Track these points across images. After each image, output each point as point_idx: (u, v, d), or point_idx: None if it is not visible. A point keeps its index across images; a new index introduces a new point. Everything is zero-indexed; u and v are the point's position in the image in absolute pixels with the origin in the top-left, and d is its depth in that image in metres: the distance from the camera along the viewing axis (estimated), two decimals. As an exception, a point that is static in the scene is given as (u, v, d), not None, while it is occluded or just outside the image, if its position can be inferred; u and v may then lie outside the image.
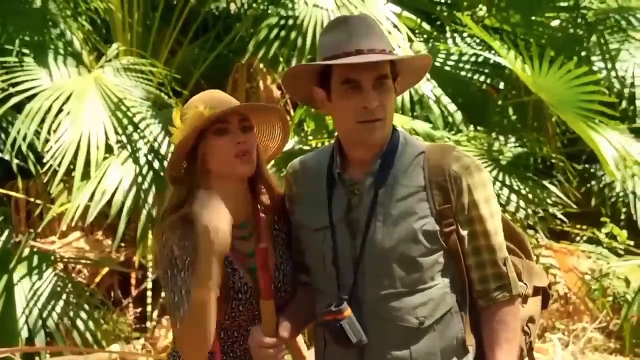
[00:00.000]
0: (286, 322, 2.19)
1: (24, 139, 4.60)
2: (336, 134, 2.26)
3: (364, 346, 2.14)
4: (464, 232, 2.17)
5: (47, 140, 4.63)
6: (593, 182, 6.68)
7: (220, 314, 2.18)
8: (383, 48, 2.15)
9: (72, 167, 4.59)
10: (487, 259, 2.19)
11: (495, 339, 2.17)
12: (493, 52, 6.02)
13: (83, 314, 4.70)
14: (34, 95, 4.73)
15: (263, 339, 2.15)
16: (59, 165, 4.50)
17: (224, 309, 2.19)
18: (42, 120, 4.61)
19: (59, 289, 4.71)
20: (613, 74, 6.39)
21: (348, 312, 2.12)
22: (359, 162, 2.21)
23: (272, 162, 4.95)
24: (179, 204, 2.20)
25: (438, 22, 6.60)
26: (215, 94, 2.27)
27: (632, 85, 6.46)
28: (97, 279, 5.28)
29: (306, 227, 2.25)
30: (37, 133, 4.72)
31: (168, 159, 2.35)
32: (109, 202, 4.58)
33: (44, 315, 4.61)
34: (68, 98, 4.68)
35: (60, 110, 4.63)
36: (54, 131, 4.58)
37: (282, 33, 5.45)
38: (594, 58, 6.42)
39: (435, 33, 6.44)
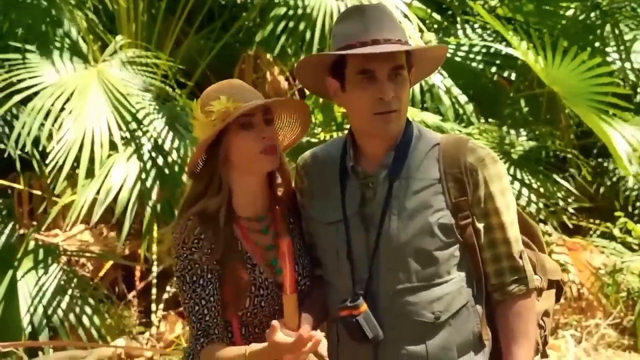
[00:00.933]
0: (308, 317, 2.16)
1: (28, 134, 4.55)
2: (347, 126, 2.21)
3: (379, 341, 2.11)
4: (480, 225, 2.14)
5: (50, 137, 4.59)
6: (607, 176, 6.59)
7: (242, 311, 2.16)
8: (399, 38, 2.11)
9: (76, 164, 4.55)
10: (504, 252, 2.16)
11: (512, 333, 2.15)
12: (504, 43, 5.93)
13: (87, 308, 4.68)
14: (37, 92, 4.66)
15: (290, 334, 2.09)
16: (63, 164, 4.45)
17: (245, 306, 2.16)
18: (46, 116, 4.56)
19: (63, 282, 4.69)
20: (628, 65, 6.28)
21: (364, 307, 2.09)
22: (372, 155, 2.17)
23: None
24: (197, 196, 2.19)
25: (449, 12, 6.51)
26: (236, 84, 2.23)
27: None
28: (101, 273, 5.22)
29: (319, 220, 2.21)
30: (41, 125, 4.65)
31: (191, 154, 2.34)
32: (115, 197, 4.53)
33: (48, 309, 4.58)
34: (71, 95, 4.62)
35: (63, 109, 4.57)
36: (57, 130, 4.54)
37: (291, 23, 5.37)
38: (608, 49, 6.32)
39: (446, 23, 6.35)
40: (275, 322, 2.00)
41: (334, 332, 2.22)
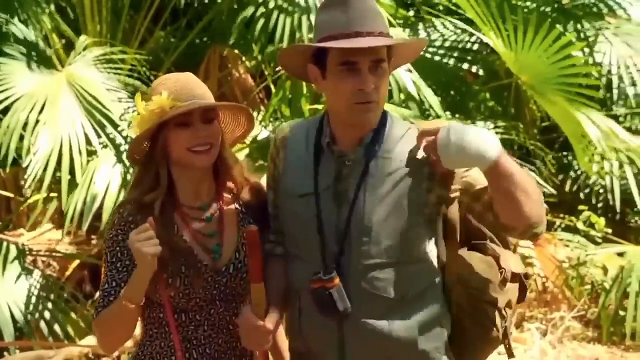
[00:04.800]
0: (274, 314, 2.18)
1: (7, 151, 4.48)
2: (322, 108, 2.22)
3: (344, 315, 2.13)
4: (454, 195, 2.16)
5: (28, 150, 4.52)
6: (570, 170, 6.65)
7: (174, 291, 2.19)
8: (381, 30, 2.12)
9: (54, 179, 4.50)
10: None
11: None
12: (468, 38, 5.95)
13: (54, 308, 4.63)
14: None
15: (258, 322, 2.14)
16: (42, 177, 4.41)
17: (176, 286, 2.19)
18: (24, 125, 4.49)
19: (29, 282, 4.64)
20: (590, 60, 6.34)
21: (337, 280, 2.12)
22: (348, 138, 2.19)
23: (247, 151, 4.95)
24: (137, 184, 2.25)
25: (414, 8, 6.55)
26: (181, 79, 2.25)
27: (609, 72, 6.43)
28: (68, 272, 5.18)
29: (290, 192, 2.23)
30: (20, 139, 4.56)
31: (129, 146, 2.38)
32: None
33: (14, 309, 4.52)
34: (43, 106, 4.54)
35: (37, 121, 4.51)
36: (32, 144, 4.48)
37: (260, 20, 5.37)
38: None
39: (413, 19, 6.38)
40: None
41: (296, 305, 2.23)
